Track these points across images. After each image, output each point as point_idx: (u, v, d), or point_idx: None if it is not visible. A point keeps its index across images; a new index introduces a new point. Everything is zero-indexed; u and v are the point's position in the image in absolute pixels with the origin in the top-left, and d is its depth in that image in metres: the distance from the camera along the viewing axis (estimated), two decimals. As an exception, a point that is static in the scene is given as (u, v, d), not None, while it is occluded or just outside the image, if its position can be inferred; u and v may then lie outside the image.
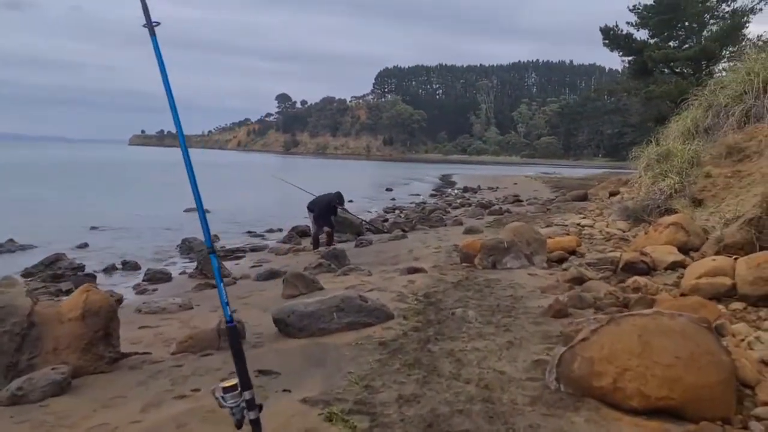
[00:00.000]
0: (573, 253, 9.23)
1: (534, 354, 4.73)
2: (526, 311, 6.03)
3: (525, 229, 8.75)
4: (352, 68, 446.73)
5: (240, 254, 12.42)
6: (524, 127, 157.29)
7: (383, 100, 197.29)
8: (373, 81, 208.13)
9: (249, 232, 16.99)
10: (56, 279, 9.25)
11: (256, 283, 8.96)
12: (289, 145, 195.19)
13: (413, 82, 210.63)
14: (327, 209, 12.90)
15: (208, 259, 8.93)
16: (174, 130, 3.46)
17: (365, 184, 41.97)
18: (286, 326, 5.73)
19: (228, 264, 11.53)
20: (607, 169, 69.56)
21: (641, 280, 6.51)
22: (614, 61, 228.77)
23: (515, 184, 40.16)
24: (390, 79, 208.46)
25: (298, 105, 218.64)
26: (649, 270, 7.33)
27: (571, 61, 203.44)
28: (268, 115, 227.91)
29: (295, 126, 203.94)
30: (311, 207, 13.02)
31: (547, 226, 13.63)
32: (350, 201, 22.54)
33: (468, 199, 27.68)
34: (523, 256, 8.44)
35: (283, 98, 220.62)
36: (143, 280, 9.75)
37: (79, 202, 23.96)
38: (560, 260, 8.76)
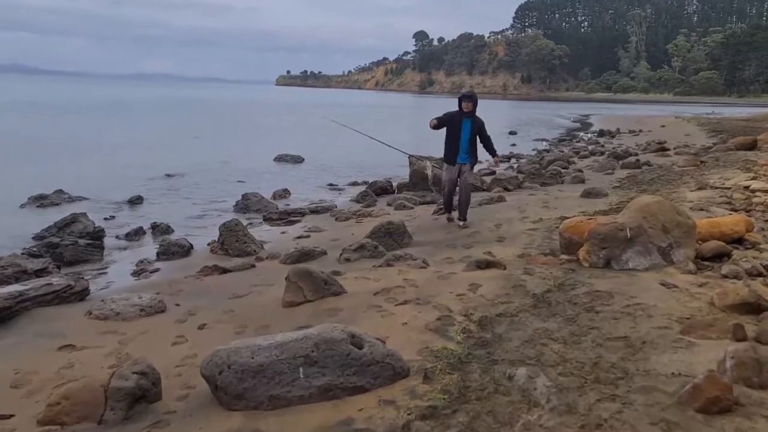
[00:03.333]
0: (739, 242, 6.09)
1: None
2: (649, 385, 3.27)
3: (661, 207, 5.72)
4: (492, 2, 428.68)
5: (296, 217, 10.25)
6: (680, 61, 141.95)
7: (523, 35, 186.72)
8: (513, 15, 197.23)
9: (330, 184, 14.88)
10: (52, 249, 7.60)
11: (279, 268, 6.75)
12: (424, 85, 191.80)
13: (556, 15, 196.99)
14: (452, 136, 8.07)
15: (231, 231, 6.82)
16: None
17: (488, 126, 38.24)
18: (216, 389, 3.42)
19: (274, 231, 9.45)
20: (780, 108, 60.28)
21: None
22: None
23: (663, 126, 34.77)
24: (531, 12, 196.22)
25: (435, 42, 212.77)
26: None
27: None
28: (406, 53, 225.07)
29: (431, 65, 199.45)
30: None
31: (699, 188, 10.21)
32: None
33: (601, 146, 23.67)
34: (655, 251, 5.49)
35: (420, 36, 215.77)
36: (157, 253, 7.89)
37: (175, 144, 23.20)
38: (717, 256, 5.69)
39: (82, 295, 5.79)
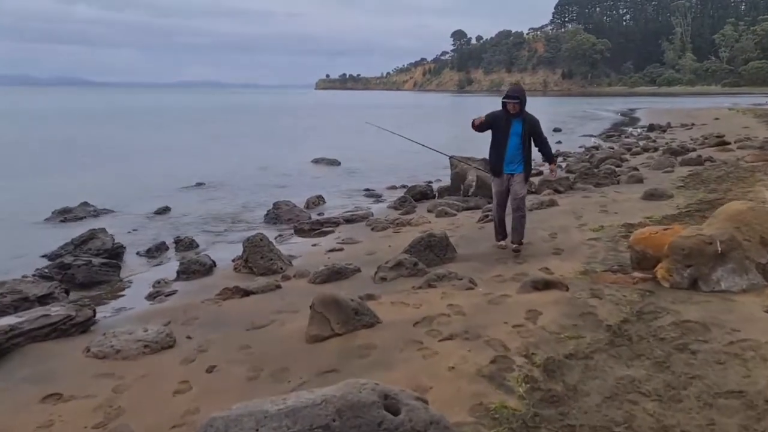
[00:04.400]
0: None
1: None
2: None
3: (757, 215, 4.77)
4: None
5: (329, 227, 9.49)
6: (728, 51, 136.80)
7: (563, 30, 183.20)
8: (553, 10, 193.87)
9: (366, 189, 14.08)
10: (63, 270, 7.02)
11: (307, 288, 6.02)
12: (463, 84, 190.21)
13: (597, 9, 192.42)
14: (498, 141, 6.57)
15: (255, 246, 6.10)
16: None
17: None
18: (211, 469, 2.65)
19: (304, 244, 8.72)
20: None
21: None
22: None
23: (716, 119, 32.95)
24: (571, 6, 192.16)
25: (473, 41, 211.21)
26: None
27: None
28: (444, 53, 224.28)
29: (470, 63, 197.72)
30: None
31: (778, 186, 9.09)
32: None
33: (653, 141, 22.31)
34: (753, 268, 4.56)
35: (458, 35, 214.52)
36: (177, 272, 7.23)
37: (211, 151, 22.88)
38: (828, 272, 4.70)
39: (86, 325, 5.13)
